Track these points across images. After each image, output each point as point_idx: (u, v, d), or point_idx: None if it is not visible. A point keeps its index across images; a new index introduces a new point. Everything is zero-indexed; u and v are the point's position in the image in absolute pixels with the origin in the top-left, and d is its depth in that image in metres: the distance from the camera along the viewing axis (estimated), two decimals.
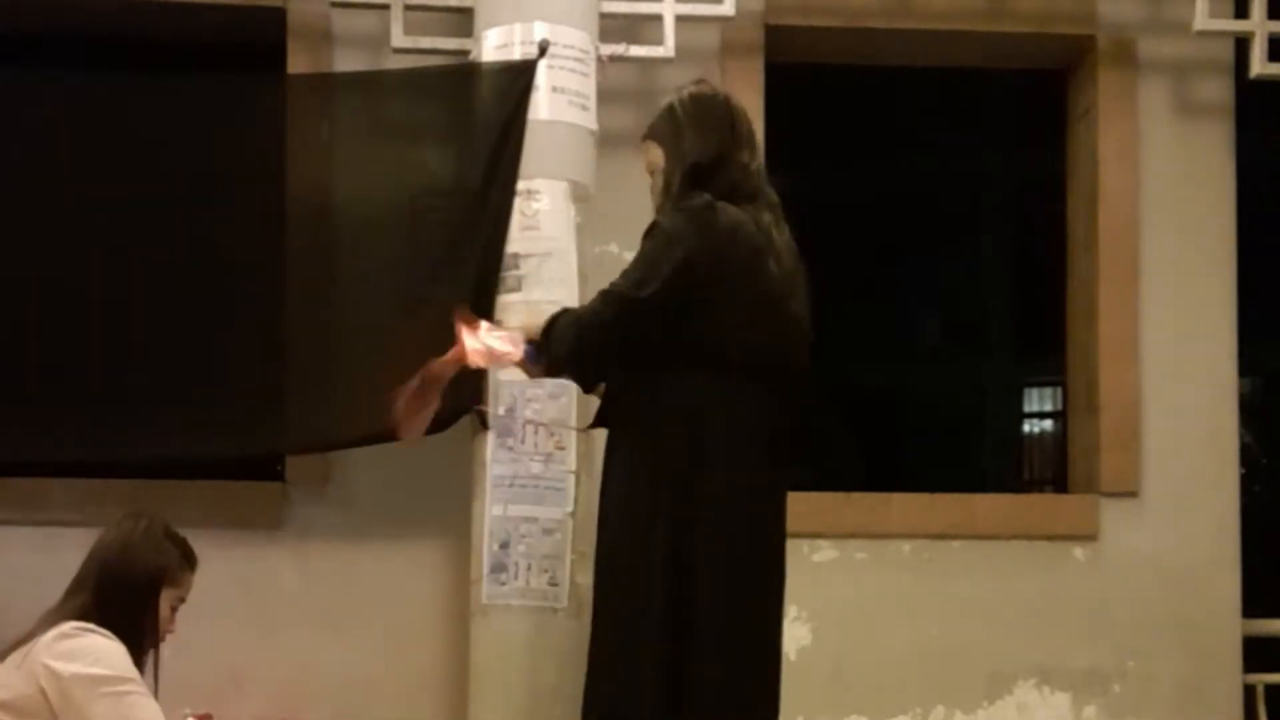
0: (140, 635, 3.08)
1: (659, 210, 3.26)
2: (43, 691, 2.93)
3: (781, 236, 3.24)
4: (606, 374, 3.26)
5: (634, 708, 3.07)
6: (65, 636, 3.00)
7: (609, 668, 3.16)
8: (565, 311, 3.27)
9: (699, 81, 3.41)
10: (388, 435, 4.17)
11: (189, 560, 3.22)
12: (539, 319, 3.28)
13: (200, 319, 4.24)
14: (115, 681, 2.95)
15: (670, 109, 3.30)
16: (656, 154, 3.30)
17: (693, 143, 3.23)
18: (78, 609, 3.05)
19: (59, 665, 2.95)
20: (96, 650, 2.99)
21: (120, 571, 3.10)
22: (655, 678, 3.05)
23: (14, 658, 2.98)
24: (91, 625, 3.03)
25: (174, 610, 3.19)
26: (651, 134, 3.33)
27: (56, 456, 4.26)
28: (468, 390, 4.05)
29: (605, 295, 3.17)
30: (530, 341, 3.24)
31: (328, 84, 4.43)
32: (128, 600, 3.09)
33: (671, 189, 3.23)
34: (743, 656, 3.09)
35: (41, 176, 4.24)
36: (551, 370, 3.27)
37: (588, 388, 3.38)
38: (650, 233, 3.18)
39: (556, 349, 3.18)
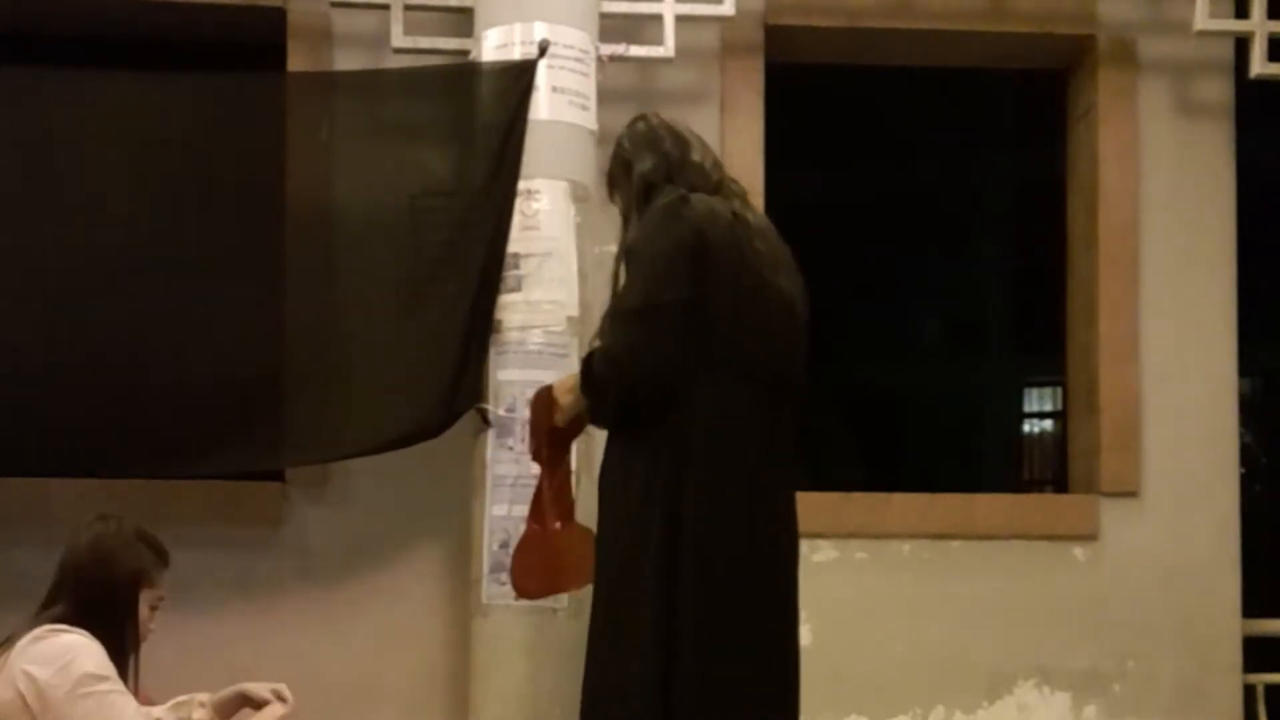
0: (122, 638, 3.04)
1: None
2: (22, 696, 2.89)
3: (757, 218, 3.26)
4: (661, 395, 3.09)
5: (626, 708, 3.06)
6: (39, 639, 2.94)
7: (602, 668, 3.15)
8: (592, 354, 3.19)
9: (635, 119, 3.43)
10: (387, 444, 4.20)
11: (163, 559, 3.16)
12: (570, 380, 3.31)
13: (199, 322, 4.22)
14: (92, 681, 2.91)
15: (615, 151, 3.39)
16: (618, 195, 3.38)
17: (640, 167, 3.29)
18: (57, 616, 3.01)
19: (35, 669, 2.90)
20: (72, 649, 2.94)
21: (98, 576, 3.04)
22: (647, 678, 3.04)
23: None
24: (66, 626, 2.98)
25: (153, 610, 3.15)
26: (609, 181, 3.42)
27: (53, 471, 4.23)
28: (468, 390, 4.06)
29: (623, 317, 3.10)
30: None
31: (328, 84, 4.42)
32: (108, 605, 3.04)
33: (631, 217, 3.29)
34: (732, 657, 3.06)
35: (40, 177, 4.23)
36: (597, 415, 3.24)
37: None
38: (629, 254, 3.17)
39: (601, 393, 3.13)
